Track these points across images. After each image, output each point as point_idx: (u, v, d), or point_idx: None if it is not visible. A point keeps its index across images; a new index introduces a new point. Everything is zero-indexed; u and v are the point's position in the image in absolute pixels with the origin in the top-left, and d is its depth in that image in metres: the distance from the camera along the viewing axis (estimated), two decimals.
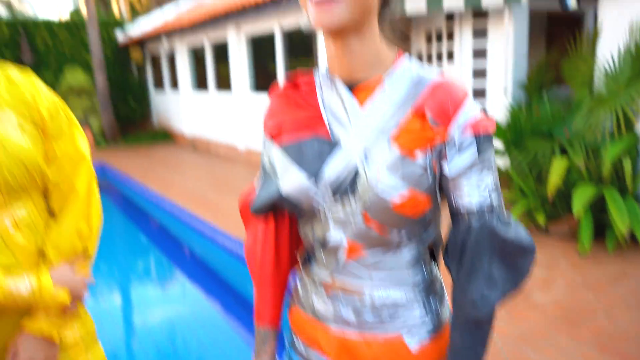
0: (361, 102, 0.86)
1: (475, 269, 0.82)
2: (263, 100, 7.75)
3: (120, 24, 12.99)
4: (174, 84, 11.48)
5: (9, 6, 25.34)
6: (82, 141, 1.16)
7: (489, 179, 0.83)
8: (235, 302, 3.82)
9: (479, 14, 5.23)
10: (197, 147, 10.47)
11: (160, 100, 12.36)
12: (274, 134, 0.93)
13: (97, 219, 1.16)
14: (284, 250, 1.00)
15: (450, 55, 6.01)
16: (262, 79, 8.28)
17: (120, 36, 12.46)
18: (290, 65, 7.54)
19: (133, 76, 12.93)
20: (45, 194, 1.13)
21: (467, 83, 5.51)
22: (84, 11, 22.50)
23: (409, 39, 1.01)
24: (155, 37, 10.96)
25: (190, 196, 6.06)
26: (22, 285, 1.02)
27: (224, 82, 9.29)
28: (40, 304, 1.05)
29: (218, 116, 9.50)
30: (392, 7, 0.89)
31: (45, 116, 1.09)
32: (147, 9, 17.68)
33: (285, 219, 0.98)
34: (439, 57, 6.19)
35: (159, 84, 12.51)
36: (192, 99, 10.54)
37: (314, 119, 0.88)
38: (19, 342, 1.06)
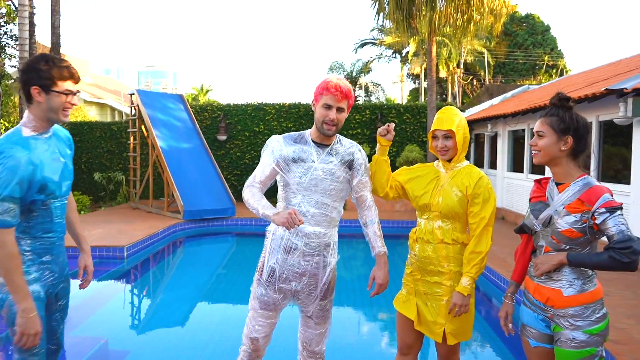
0: (560, 191, 2.11)
1: (618, 254, 1.94)
2: None
3: None
4: (493, 164, 12.82)
5: (367, 91, 31.37)
6: (487, 211, 2.46)
7: (620, 220, 1.96)
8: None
9: None
10: (506, 218, 11.44)
11: None
12: (530, 198, 2.27)
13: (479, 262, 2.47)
14: (529, 248, 2.30)
15: None
16: None
17: None
18: (604, 152, 8.00)
19: None
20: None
21: None
22: (421, 99, 25.94)
23: (588, 167, 2.11)
24: (481, 120, 12.61)
25: (493, 258, 7.19)
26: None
27: (539, 166, 10.14)
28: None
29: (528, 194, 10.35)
30: (584, 152, 2.13)
31: (470, 195, 2.52)
32: (477, 96, 19.72)
33: (527, 235, 2.30)
34: None
35: (479, 161, 14.06)
36: (507, 177, 11.68)
37: (543, 195, 2.18)
38: (453, 294, 2.51)
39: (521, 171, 11.04)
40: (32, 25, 11.93)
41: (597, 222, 2.01)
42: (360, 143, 14.19)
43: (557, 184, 2.17)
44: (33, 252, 2.29)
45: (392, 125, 2.66)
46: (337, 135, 2.61)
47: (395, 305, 2.75)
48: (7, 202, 2.10)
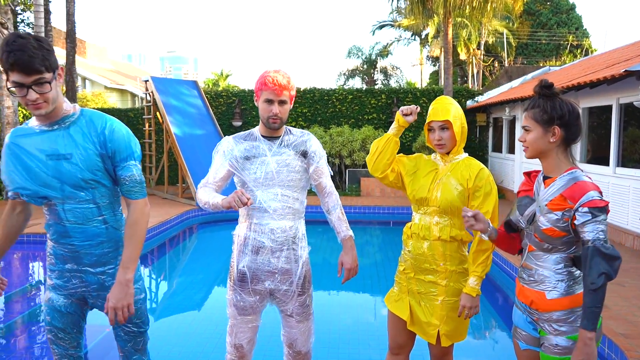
0: (546, 186, 1.98)
1: (591, 266, 1.79)
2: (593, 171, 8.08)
3: (472, 94, 14.82)
4: (511, 148, 12.55)
5: (386, 74, 31.02)
6: (490, 205, 2.35)
7: (599, 227, 1.80)
8: None
9: None
10: None
11: (497, 161, 13.59)
12: (518, 192, 2.13)
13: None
14: (516, 242, 2.17)
15: None
16: (598, 150, 8.61)
17: (468, 102, 14.30)
18: (625, 136, 7.74)
19: (474, 137, 14.55)
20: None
21: None
22: (441, 82, 25.53)
23: (574, 159, 1.88)
24: (498, 103, 12.33)
25: None
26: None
27: None
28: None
29: None
30: (576, 140, 1.99)
31: (471, 188, 2.40)
32: (496, 79, 19.28)
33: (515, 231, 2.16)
34: None
35: (497, 146, 13.79)
36: (525, 162, 11.43)
37: (531, 189, 2.05)
38: (461, 296, 2.38)
39: None
40: (47, 12, 12.01)
41: (576, 222, 1.85)
42: (375, 128, 14.06)
43: (545, 178, 2.02)
44: (55, 257, 2.19)
45: (419, 109, 2.50)
46: (286, 127, 2.60)
47: (386, 303, 2.66)
48: None
